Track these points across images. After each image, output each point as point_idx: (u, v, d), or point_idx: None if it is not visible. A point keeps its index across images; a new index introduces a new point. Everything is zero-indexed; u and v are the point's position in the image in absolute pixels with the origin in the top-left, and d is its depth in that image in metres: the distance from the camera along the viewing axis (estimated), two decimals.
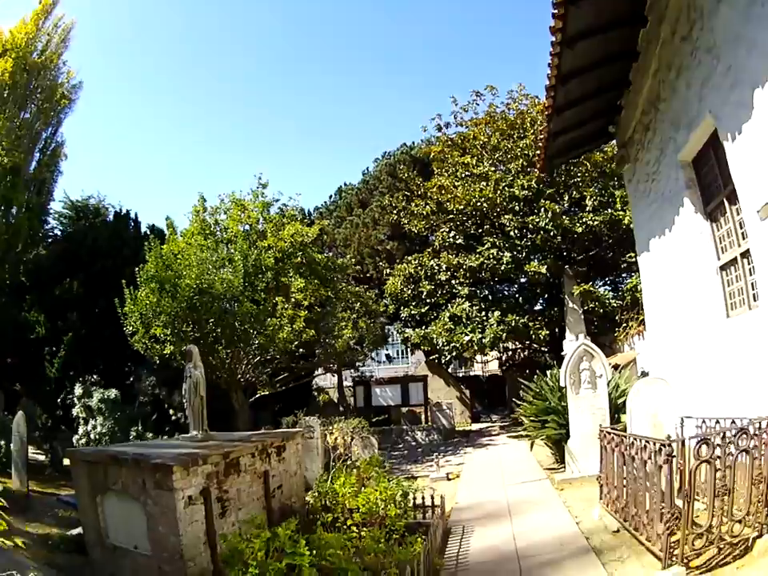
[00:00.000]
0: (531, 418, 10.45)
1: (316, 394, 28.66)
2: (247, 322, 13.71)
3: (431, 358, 23.13)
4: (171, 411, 16.10)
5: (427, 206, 20.04)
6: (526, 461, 11.48)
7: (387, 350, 35.12)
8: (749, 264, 6.96)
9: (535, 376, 11.60)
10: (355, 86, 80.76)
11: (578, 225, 17.22)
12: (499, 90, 20.07)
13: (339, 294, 17.81)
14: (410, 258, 20.73)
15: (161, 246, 13.64)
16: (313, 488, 8.29)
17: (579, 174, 18.03)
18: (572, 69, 8.58)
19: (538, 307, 20.81)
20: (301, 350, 15.55)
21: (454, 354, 19.25)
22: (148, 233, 17.31)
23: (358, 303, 17.95)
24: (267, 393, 16.60)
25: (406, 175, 22.32)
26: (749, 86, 5.68)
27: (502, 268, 17.45)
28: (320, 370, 31.15)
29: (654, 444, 4.78)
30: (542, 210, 17.14)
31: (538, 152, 12.37)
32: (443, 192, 19.06)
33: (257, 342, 14.18)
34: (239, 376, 15.05)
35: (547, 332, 17.47)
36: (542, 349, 24.12)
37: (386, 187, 27.85)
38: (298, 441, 7.94)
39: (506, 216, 17.79)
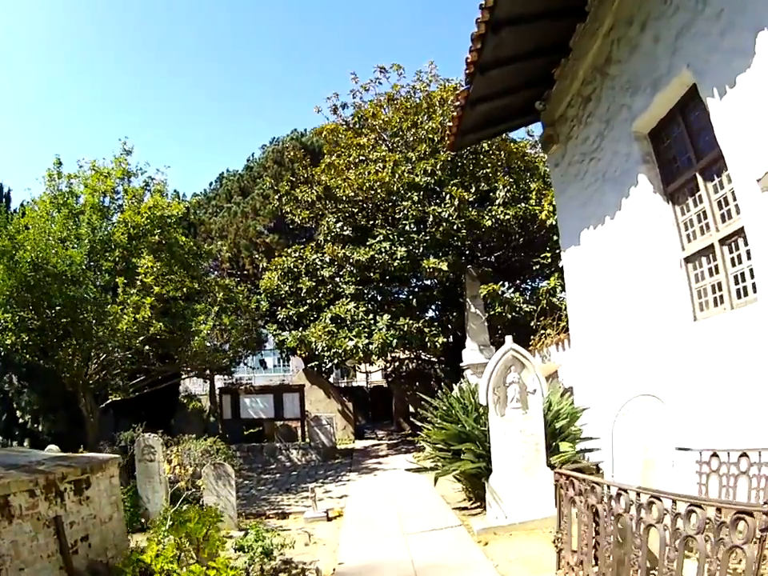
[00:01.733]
0: (439, 446, 8.32)
1: (186, 401, 26.32)
2: (87, 309, 11.72)
3: (310, 365, 20.78)
4: (19, 413, 14.58)
5: (314, 192, 17.87)
6: (428, 495, 9.33)
7: (263, 355, 32.59)
8: (732, 252, 5.88)
9: (439, 391, 9.60)
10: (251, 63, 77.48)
11: (487, 218, 15.67)
12: (406, 70, 18.37)
13: (205, 285, 15.31)
14: (289, 250, 18.53)
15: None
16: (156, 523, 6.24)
17: (490, 164, 16.51)
18: (509, 16, 7.19)
19: (433, 312, 19.21)
20: (147, 347, 13.36)
21: (335, 361, 17.24)
22: None
23: (225, 297, 15.37)
24: (119, 398, 14.08)
25: (292, 156, 20.08)
26: (750, 30, 4.79)
27: (395, 264, 15.67)
28: (190, 373, 29.05)
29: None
30: (448, 196, 15.52)
31: (450, 125, 10.76)
32: (333, 173, 17.05)
33: (100, 333, 11.96)
34: (87, 376, 12.86)
35: (444, 339, 15.81)
36: (433, 359, 22.61)
37: (272, 175, 25.47)
38: (112, 472, 5.67)
39: (404, 203, 15.93)
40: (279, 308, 18.28)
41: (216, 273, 22.94)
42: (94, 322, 11.87)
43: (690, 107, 6.25)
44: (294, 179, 19.50)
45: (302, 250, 18.30)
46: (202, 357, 14.32)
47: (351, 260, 16.02)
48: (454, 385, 10.50)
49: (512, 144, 17.43)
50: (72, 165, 14.47)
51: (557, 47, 8.68)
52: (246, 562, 5.79)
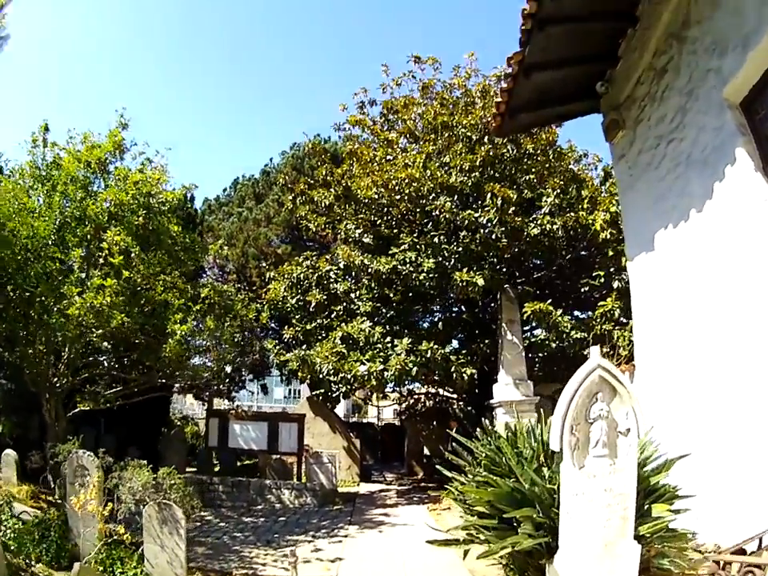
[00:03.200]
0: (479, 508, 5.79)
1: (180, 423, 25.06)
2: (45, 288, 10.22)
3: (315, 393, 18.36)
4: None
5: (332, 192, 15.84)
6: (452, 570, 7.07)
7: (265, 381, 30.28)
8: None
9: (479, 429, 7.09)
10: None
11: (532, 226, 13.54)
12: (443, 65, 16.49)
13: (195, 286, 13.37)
14: (299, 258, 16.50)
15: None
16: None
17: (534, 169, 14.47)
18: None
19: (458, 341, 17.02)
20: (123, 351, 12.26)
21: (343, 389, 14.92)
22: None
23: (220, 303, 13.27)
24: (88, 408, 12.47)
25: (310, 153, 18.10)
26: None
27: (421, 277, 13.66)
28: (174, 388, 27.26)
29: None
30: (489, 196, 13.36)
31: (497, 102, 9.02)
32: (355, 166, 15.10)
33: (52, 320, 10.32)
34: (54, 378, 11.52)
35: (473, 371, 13.45)
36: (452, 397, 20.33)
37: (289, 183, 23.52)
38: None
39: (436, 203, 13.83)
40: (285, 327, 16.17)
41: (219, 282, 20.87)
42: (50, 304, 10.33)
43: None
44: (312, 181, 17.49)
45: (313, 259, 16.30)
46: (179, 366, 12.19)
47: (369, 270, 13.90)
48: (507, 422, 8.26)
49: (560, 149, 15.45)
50: (62, 136, 12.67)
51: (621, 15, 7.69)
52: None
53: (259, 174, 26.93)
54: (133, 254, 11.12)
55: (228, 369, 19.51)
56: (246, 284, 22.05)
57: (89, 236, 11.14)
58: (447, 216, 13.86)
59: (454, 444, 7.01)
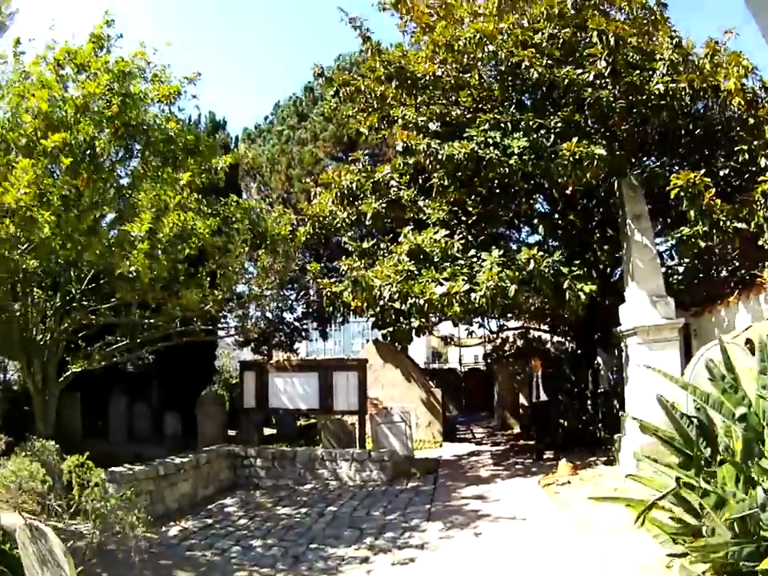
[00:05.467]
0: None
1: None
2: None
3: (383, 333, 14.50)
4: None
5: (383, 72, 12.01)
6: None
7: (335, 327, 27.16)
8: None
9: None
10: None
11: (654, 81, 9.60)
12: None
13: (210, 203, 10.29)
14: (349, 166, 13.10)
15: None
16: None
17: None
18: None
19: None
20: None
21: (416, 322, 11.27)
22: None
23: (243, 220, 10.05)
24: (79, 369, 9.94)
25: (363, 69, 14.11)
26: None
27: (511, 161, 9.76)
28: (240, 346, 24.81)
29: None
30: (594, 35, 9.40)
31: None
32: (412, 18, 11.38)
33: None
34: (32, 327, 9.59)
35: (593, 287, 9.56)
36: (545, 333, 16.74)
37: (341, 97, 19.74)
38: None
39: (523, 61, 9.94)
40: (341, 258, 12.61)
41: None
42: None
43: None
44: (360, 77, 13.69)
45: (367, 166, 12.90)
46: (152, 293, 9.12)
47: (440, 156, 10.10)
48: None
49: None
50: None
51: None
52: None
53: (302, 91, 23.20)
54: (98, 149, 8.43)
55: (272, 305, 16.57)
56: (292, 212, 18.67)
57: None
58: (539, 76, 9.97)
59: None
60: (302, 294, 21.26)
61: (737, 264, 11.44)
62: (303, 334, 24.13)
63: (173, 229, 8.57)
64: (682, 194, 8.52)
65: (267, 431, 16.50)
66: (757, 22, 5.52)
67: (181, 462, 9.05)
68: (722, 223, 8.91)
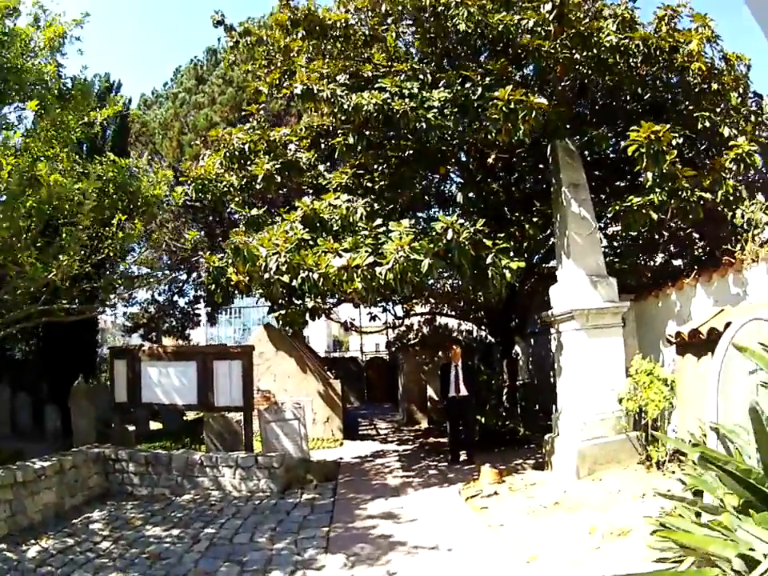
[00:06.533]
0: None
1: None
2: None
3: (275, 316, 12.51)
4: None
5: (286, 18, 10.28)
6: None
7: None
8: None
9: None
10: None
11: (606, 33, 8.29)
12: None
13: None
14: (243, 126, 11.34)
15: None
16: None
17: None
18: None
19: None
20: None
21: (310, 302, 9.66)
22: None
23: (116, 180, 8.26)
24: None
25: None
26: None
27: (429, 115, 8.25)
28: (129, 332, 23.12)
29: None
30: None
31: None
32: None
33: None
34: None
35: (521, 264, 8.19)
36: (472, 317, 15.51)
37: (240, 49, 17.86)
38: None
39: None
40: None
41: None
42: None
43: None
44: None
45: (260, 125, 11.35)
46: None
47: (346, 106, 8.50)
48: None
49: None
50: None
51: None
52: None
53: (203, 54, 21.10)
54: None
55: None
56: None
57: None
58: (469, 24, 8.53)
59: None
60: (193, 275, 19.51)
61: (693, 242, 10.75)
62: (194, 319, 22.62)
63: (12, 174, 6.83)
64: (643, 150, 7.17)
65: (154, 425, 15.17)
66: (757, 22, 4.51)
67: (41, 466, 7.39)
68: (682, 192, 7.73)
